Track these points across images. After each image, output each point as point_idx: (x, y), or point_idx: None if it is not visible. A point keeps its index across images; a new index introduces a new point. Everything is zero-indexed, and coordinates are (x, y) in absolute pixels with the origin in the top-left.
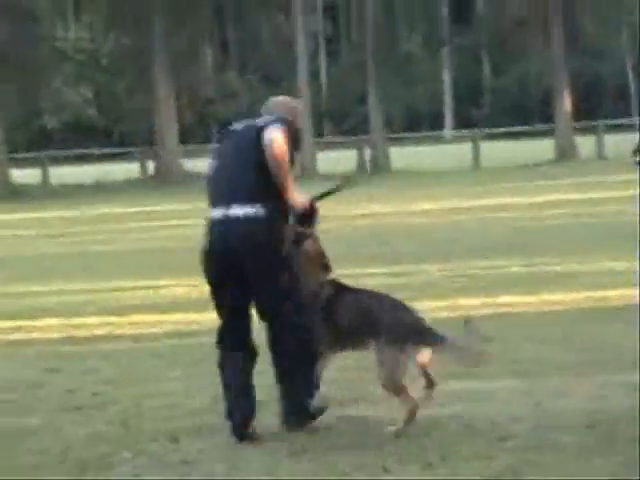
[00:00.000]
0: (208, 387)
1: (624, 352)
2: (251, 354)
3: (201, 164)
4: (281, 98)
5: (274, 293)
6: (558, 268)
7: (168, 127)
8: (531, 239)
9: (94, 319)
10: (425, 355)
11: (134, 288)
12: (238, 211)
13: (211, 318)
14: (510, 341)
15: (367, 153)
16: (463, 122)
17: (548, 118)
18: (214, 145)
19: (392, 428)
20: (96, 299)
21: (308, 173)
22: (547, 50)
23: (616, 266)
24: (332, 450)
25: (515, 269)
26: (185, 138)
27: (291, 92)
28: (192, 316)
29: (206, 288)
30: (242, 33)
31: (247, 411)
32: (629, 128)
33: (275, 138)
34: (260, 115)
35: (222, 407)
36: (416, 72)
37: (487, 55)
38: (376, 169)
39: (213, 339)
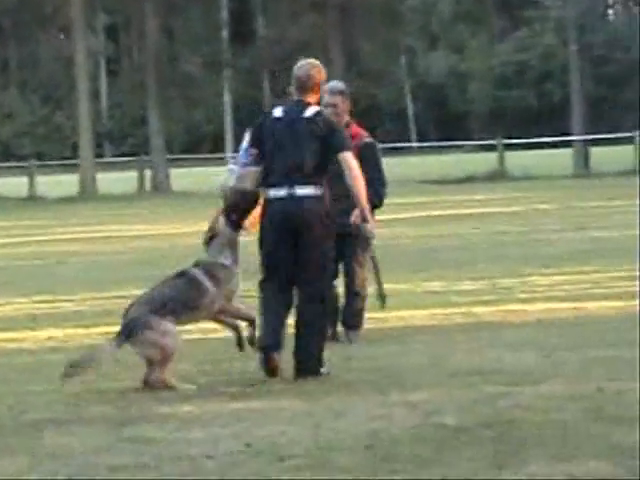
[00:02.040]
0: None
1: (402, 372)
2: (289, 301)
3: None
4: (308, 72)
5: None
6: None
7: None
8: None
9: None
10: None
11: None
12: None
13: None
14: (290, 362)
15: (147, 174)
16: None
17: None
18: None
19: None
20: None
21: (87, 194)
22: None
23: (398, 288)
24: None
25: None
26: None
27: (71, 112)
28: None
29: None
30: (22, 52)
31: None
32: (407, 151)
33: (354, 167)
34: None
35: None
36: (197, 93)
37: (268, 77)
38: (157, 190)
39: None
